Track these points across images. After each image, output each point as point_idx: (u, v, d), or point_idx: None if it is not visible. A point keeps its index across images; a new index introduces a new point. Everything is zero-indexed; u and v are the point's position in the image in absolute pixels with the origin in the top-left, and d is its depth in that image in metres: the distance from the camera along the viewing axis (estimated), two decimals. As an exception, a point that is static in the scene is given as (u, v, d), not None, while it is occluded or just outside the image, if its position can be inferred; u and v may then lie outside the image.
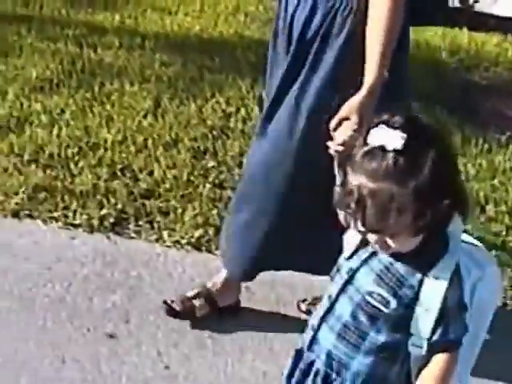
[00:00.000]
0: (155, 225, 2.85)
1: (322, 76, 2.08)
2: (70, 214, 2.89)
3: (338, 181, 1.46)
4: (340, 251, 1.55)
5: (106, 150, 3.32)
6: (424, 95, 4.34)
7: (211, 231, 2.83)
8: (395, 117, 1.33)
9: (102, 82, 4.02)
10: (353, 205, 1.32)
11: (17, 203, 2.92)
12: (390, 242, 1.36)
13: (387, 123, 1.32)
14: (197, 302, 2.41)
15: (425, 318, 1.39)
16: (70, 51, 4.42)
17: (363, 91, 1.93)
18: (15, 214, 2.88)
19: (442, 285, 1.37)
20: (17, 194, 2.96)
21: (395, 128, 1.31)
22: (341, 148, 1.73)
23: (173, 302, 2.42)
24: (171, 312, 2.39)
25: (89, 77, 4.08)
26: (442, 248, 1.40)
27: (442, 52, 5.33)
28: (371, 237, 1.39)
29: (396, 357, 1.45)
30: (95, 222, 2.85)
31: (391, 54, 1.96)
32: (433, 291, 1.38)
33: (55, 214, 2.88)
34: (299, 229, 2.21)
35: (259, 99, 2.80)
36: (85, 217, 2.88)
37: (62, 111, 3.66)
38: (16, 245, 2.72)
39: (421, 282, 1.39)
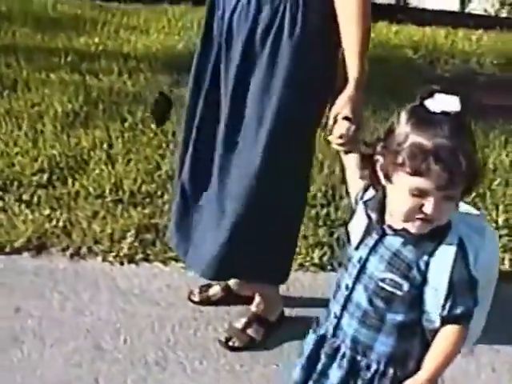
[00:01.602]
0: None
1: (282, 76, 2.06)
2: (185, 252, 2.78)
3: (352, 169, 1.64)
4: None
5: (181, 181, 3.21)
6: (407, 93, 4.50)
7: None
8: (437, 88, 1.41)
9: (129, 110, 3.86)
10: (432, 165, 1.34)
11: (129, 248, 2.77)
12: (445, 207, 1.38)
13: (441, 92, 1.39)
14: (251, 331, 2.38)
15: (435, 296, 1.44)
16: (75, 80, 4.20)
17: (350, 86, 1.97)
18: (131, 260, 2.74)
19: (448, 263, 1.42)
20: (123, 238, 2.81)
21: (451, 94, 1.39)
22: (340, 141, 1.81)
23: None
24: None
25: (112, 106, 3.90)
26: (445, 225, 1.43)
27: (405, 50, 5.54)
28: (408, 213, 1.39)
29: (415, 333, 1.50)
30: (214, 257, 2.76)
31: (368, 43, 1.99)
32: (439, 271, 1.42)
33: (171, 254, 2.76)
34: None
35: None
36: (201, 253, 2.78)
37: (110, 146, 3.49)
38: (151, 291, 2.58)
39: (428, 264, 1.43)
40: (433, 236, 1.42)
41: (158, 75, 4.42)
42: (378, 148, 1.45)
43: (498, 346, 2.31)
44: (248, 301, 2.50)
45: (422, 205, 1.38)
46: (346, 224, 2.99)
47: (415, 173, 1.36)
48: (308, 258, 2.82)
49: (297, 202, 2.29)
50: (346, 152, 1.72)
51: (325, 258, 2.84)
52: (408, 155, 1.36)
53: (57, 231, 2.83)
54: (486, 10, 7.19)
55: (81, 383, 2.15)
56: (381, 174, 1.45)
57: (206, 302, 2.54)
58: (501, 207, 3.32)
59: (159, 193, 3.12)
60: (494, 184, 3.51)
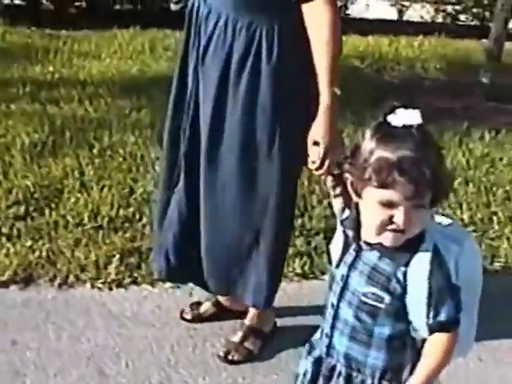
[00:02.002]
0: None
1: (260, 103, 2.10)
2: (171, 272, 2.81)
3: (330, 189, 1.61)
4: None
5: (157, 203, 3.24)
6: (359, 102, 4.60)
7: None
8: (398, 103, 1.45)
9: (95, 136, 3.87)
10: (397, 177, 1.36)
11: (116, 273, 2.78)
12: (415, 216, 1.39)
13: (402, 107, 1.43)
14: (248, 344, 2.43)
15: (417, 306, 1.45)
16: (37, 110, 4.18)
17: (320, 112, 2.04)
18: (119, 284, 2.75)
19: (424, 272, 1.43)
20: (109, 263, 2.82)
21: (413, 109, 1.44)
22: (314, 166, 1.89)
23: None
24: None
25: (78, 133, 3.90)
26: (419, 235, 1.45)
27: (352, 59, 5.68)
28: (381, 222, 1.41)
29: (406, 344, 1.52)
30: (200, 275, 2.79)
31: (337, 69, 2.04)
32: (417, 280, 1.44)
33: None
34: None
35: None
36: (188, 272, 2.81)
37: (82, 174, 3.48)
38: (143, 313, 2.60)
39: (405, 274, 1.45)
40: (408, 247, 1.44)
41: (118, 100, 4.43)
42: (346, 166, 1.47)
43: (483, 340, 2.40)
44: (239, 315, 2.54)
45: (393, 216, 1.40)
46: (321, 233, 3.12)
47: (382, 186, 1.38)
48: (290, 269, 2.89)
49: (283, 222, 2.30)
50: (326, 176, 1.74)
51: (306, 267, 2.92)
52: (374, 169, 1.38)
53: (41, 262, 2.81)
54: (422, 17, 7.43)
55: (89, 410, 2.17)
56: (352, 192, 1.47)
57: (198, 319, 2.57)
58: (464, 205, 3.47)
59: (137, 216, 3.13)
60: (455, 183, 3.65)
